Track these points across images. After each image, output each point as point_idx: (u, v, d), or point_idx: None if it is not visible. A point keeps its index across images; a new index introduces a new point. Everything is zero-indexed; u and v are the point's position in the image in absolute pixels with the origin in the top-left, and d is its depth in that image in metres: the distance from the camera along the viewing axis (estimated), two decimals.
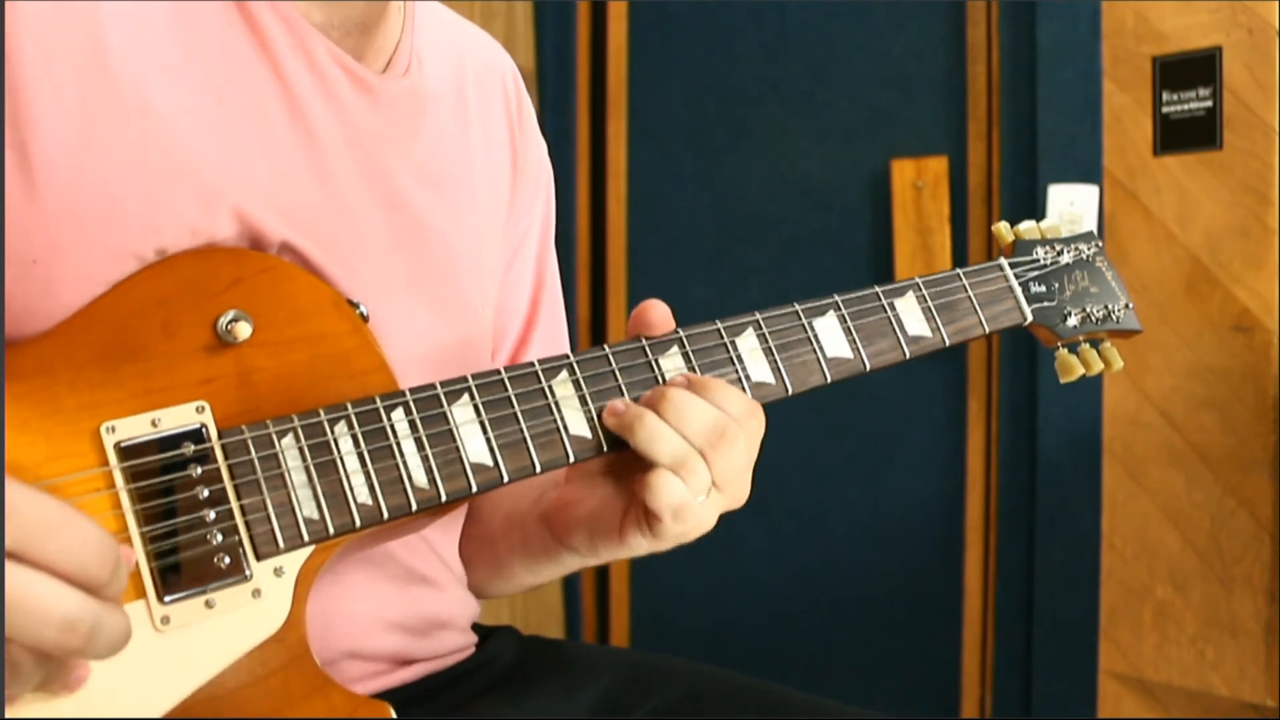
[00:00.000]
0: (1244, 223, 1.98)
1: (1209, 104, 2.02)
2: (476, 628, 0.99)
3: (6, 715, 0.57)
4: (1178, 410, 2.07)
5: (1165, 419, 2.09)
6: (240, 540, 0.67)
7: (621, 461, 0.81)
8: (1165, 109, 2.07)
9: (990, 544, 2.36)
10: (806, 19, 2.50)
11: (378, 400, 0.72)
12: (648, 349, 0.81)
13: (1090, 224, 2.14)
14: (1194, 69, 2.03)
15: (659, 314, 0.82)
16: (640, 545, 0.79)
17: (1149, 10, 2.08)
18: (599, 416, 0.77)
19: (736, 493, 0.80)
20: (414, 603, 0.89)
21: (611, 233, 2.73)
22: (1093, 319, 0.98)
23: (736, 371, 0.82)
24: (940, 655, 2.42)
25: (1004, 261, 0.96)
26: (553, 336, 1.05)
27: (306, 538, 0.68)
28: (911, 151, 2.39)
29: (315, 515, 0.69)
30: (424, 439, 0.72)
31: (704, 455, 0.76)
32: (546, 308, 1.04)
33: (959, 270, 0.93)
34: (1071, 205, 2.16)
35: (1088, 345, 0.99)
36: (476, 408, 0.74)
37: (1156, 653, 2.10)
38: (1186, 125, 2.05)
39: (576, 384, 0.78)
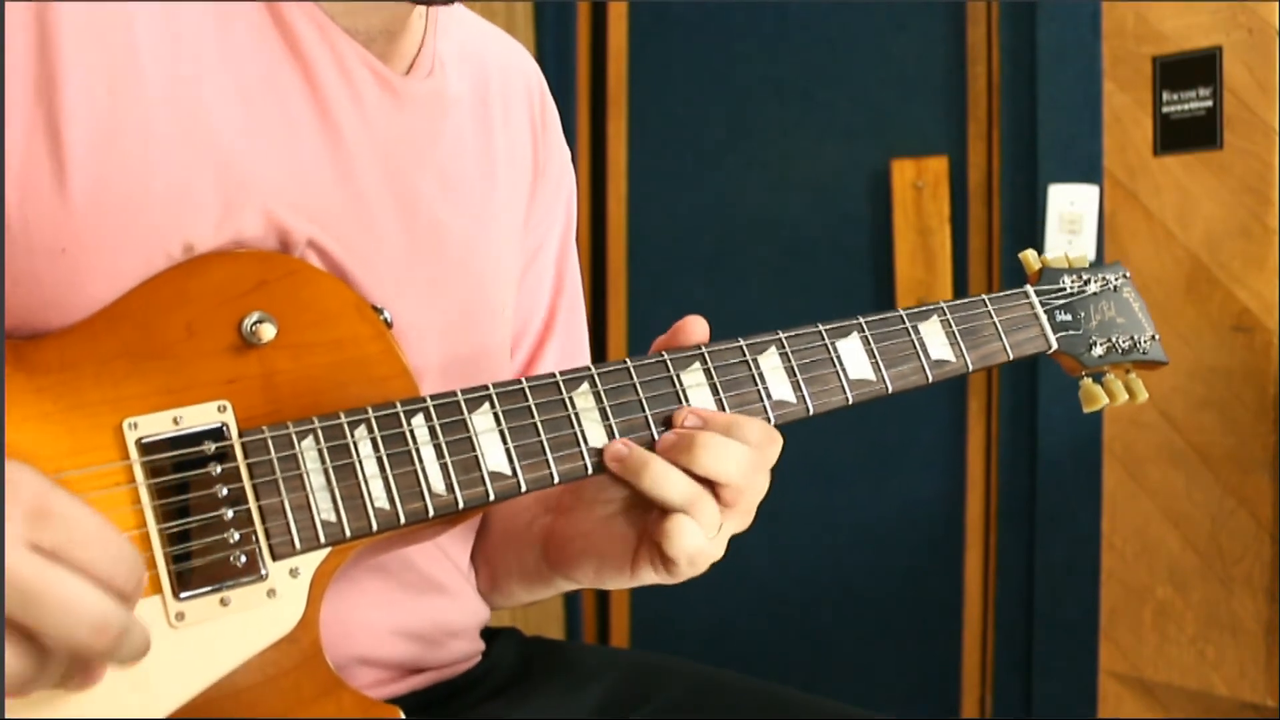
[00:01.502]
0: (1244, 223, 1.99)
1: (1209, 104, 2.02)
2: (481, 631, 0.99)
3: (7, 715, 0.57)
4: (1178, 410, 2.07)
5: (1165, 419, 2.09)
6: (257, 540, 0.67)
7: (627, 498, 0.81)
8: (1165, 109, 2.07)
9: (990, 544, 2.36)
10: (806, 19, 2.50)
11: (398, 405, 0.72)
12: (669, 364, 0.80)
13: (1091, 224, 2.15)
14: (1194, 69, 2.03)
15: (699, 330, 0.82)
16: (652, 580, 0.80)
17: (1149, 10, 2.09)
18: (614, 433, 0.77)
19: (746, 519, 0.80)
20: (428, 612, 0.89)
21: (611, 233, 2.73)
22: (1118, 349, 0.97)
23: (758, 389, 0.82)
24: (940, 655, 2.42)
25: (1030, 289, 0.96)
26: (572, 342, 1.05)
27: (323, 539, 0.69)
28: (911, 151, 2.39)
29: (332, 518, 0.69)
30: (443, 446, 0.73)
31: (740, 492, 0.76)
32: (565, 313, 1.04)
33: (984, 296, 0.93)
34: (1071, 205, 2.16)
35: (1112, 376, 0.98)
36: (497, 416, 0.74)
37: (1156, 653, 2.11)
38: (1186, 125, 2.05)
39: (597, 396, 0.78)
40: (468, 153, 0.91)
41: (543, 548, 0.88)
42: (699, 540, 0.76)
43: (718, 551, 0.79)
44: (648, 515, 0.79)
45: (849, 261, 2.48)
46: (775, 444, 0.80)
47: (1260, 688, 1.99)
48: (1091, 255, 2.15)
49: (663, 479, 0.75)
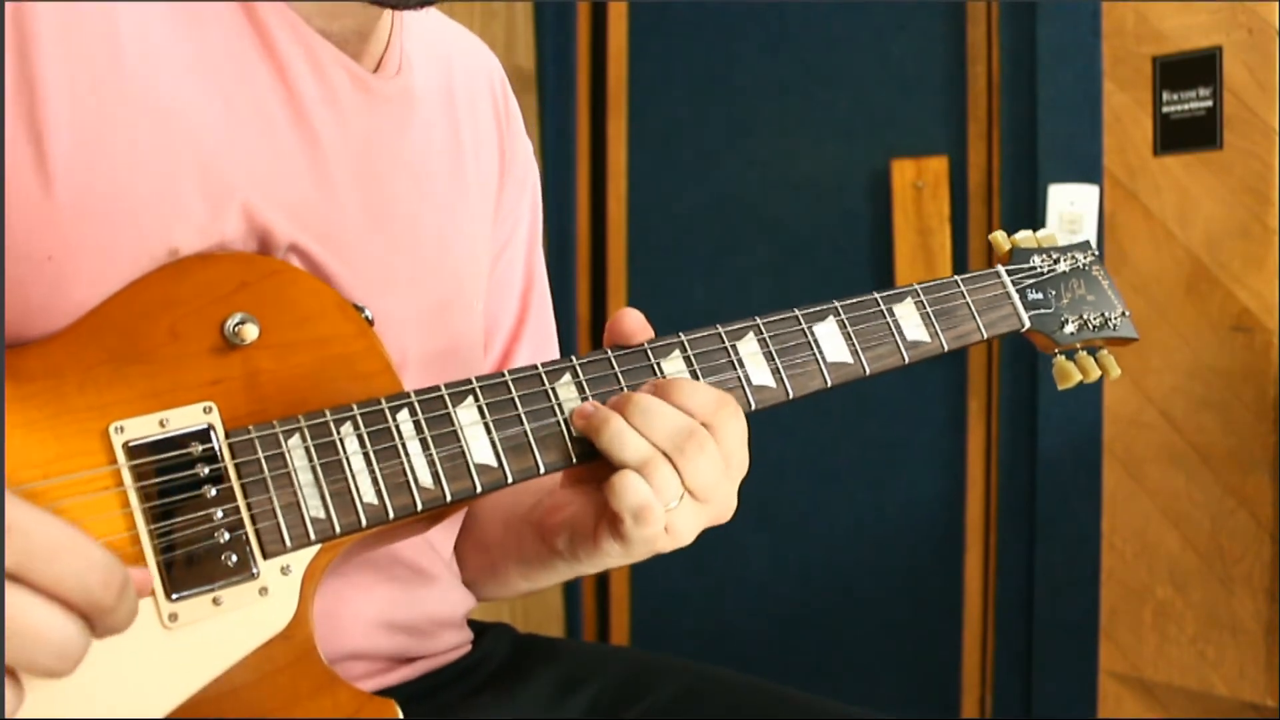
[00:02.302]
0: (1244, 223, 1.99)
1: (1209, 104, 2.02)
2: (471, 623, 1.00)
3: (7, 715, 0.57)
4: (1178, 410, 2.07)
5: (1165, 419, 2.09)
6: (247, 539, 0.67)
7: (605, 468, 0.79)
8: (1165, 109, 2.07)
9: (990, 544, 2.36)
10: (806, 19, 2.50)
11: (383, 401, 0.73)
12: (649, 352, 0.81)
13: (1091, 224, 2.15)
14: (1194, 69, 2.03)
15: (633, 323, 0.81)
16: (613, 551, 0.77)
17: (1149, 10, 2.09)
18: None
19: (719, 505, 0.78)
20: (416, 602, 0.90)
21: (611, 233, 2.73)
22: (1090, 326, 0.99)
23: (737, 375, 0.83)
24: (940, 655, 2.42)
25: (1002, 269, 0.97)
26: (542, 337, 1.06)
27: (313, 536, 0.69)
28: (911, 151, 2.39)
29: (321, 514, 0.69)
30: (429, 440, 0.73)
31: (673, 461, 0.74)
32: (536, 306, 1.05)
33: (957, 277, 0.94)
34: (1071, 205, 2.16)
35: (1085, 353, 1.00)
36: (481, 409, 0.75)
37: (1156, 653, 2.11)
38: (1186, 125, 2.05)
39: (579, 386, 0.78)
40: (437, 149, 0.92)
41: (537, 522, 0.87)
42: (643, 496, 0.73)
43: (682, 531, 0.76)
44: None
45: (849, 261, 2.48)
46: (727, 410, 0.77)
47: (1260, 688, 1.99)
48: None
49: (618, 437, 0.74)
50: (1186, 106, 2.04)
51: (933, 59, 2.39)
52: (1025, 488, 2.28)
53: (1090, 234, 2.15)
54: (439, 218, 0.90)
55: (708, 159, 2.63)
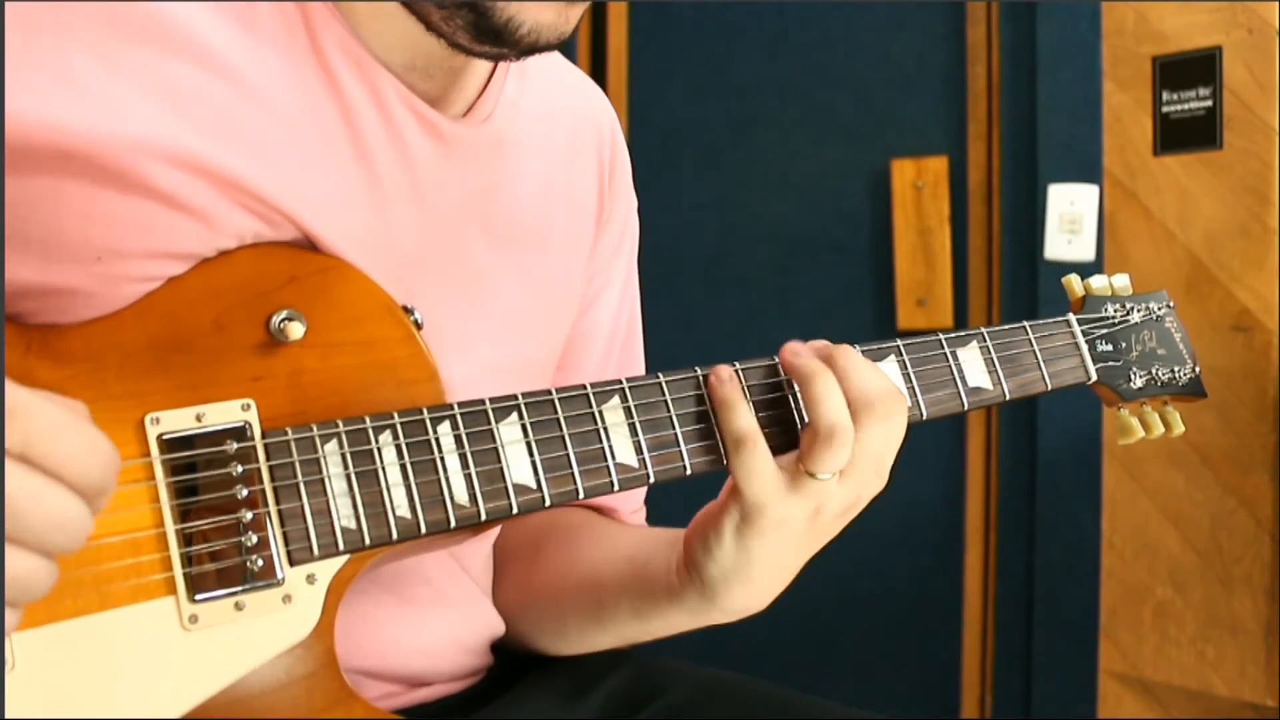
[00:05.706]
0: (1244, 223, 1.99)
1: (1209, 104, 2.02)
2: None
3: (7, 714, 0.57)
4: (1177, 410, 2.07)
5: None
6: (275, 543, 0.66)
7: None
8: (1165, 109, 2.07)
9: (990, 544, 2.36)
10: (806, 18, 2.50)
11: (425, 412, 0.71)
12: (701, 380, 0.79)
13: (1091, 224, 2.15)
14: (1194, 69, 2.03)
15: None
16: (728, 528, 0.78)
17: (1149, 10, 2.09)
18: (722, 429, 0.77)
19: (863, 485, 0.79)
20: (440, 627, 0.88)
21: None
22: (1157, 382, 0.95)
23: (792, 409, 0.81)
24: (940, 655, 2.42)
25: (1072, 317, 0.94)
26: None
27: (342, 546, 0.68)
28: (911, 151, 2.39)
29: (352, 524, 0.68)
30: (469, 455, 0.71)
31: (856, 419, 0.75)
32: (621, 364, 1.02)
33: (1026, 324, 0.91)
34: (1071, 205, 2.16)
35: (1148, 407, 0.96)
36: (524, 428, 0.73)
37: (1156, 653, 2.11)
38: (1186, 125, 2.05)
39: (627, 411, 0.76)
40: (523, 202, 0.88)
41: (681, 542, 0.85)
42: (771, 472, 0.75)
43: (846, 502, 0.79)
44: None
45: (849, 261, 2.48)
46: (900, 408, 0.78)
47: (1260, 688, 1.99)
48: (1091, 255, 2.15)
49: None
50: (1186, 106, 2.05)
51: (933, 59, 2.39)
52: (1025, 488, 2.28)
53: (1090, 234, 2.15)
54: (509, 279, 0.86)
55: (708, 159, 2.63)
